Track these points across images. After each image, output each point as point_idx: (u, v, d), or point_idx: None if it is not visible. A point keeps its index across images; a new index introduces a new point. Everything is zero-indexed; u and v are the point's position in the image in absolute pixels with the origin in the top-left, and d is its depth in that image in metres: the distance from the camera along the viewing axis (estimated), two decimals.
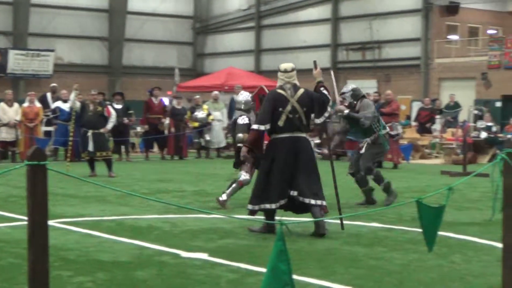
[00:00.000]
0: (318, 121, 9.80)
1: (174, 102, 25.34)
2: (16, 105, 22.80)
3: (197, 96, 26.93)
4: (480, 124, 26.58)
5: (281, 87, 9.71)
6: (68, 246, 8.76)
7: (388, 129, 14.05)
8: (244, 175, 12.41)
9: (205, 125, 25.18)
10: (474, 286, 6.94)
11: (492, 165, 6.06)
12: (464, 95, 36.23)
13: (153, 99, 24.59)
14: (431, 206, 6.21)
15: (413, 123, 28.38)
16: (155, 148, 25.70)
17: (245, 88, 28.04)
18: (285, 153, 9.48)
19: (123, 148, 24.06)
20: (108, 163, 18.03)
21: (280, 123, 9.51)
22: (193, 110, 25.52)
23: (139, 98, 36.14)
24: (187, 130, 25.15)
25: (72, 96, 19.34)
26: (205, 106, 25.66)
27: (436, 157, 25.28)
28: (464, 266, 7.79)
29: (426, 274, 7.39)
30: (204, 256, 8.21)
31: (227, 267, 7.68)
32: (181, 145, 24.65)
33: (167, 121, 24.41)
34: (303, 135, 9.67)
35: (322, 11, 46.62)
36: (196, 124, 25.19)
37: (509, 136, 24.59)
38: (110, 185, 7.62)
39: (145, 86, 38.34)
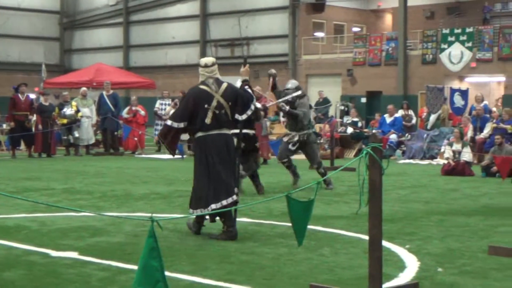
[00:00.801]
0: (241, 118, 9.54)
1: (41, 98, 24.84)
2: None
3: (65, 93, 26.51)
4: (346, 119, 27.21)
5: (203, 83, 9.28)
6: None
7: (315, 128, 15.55)
8: None
9: (73, 122, 24.83)
10: (343, 278, 7.10)
11: (358, 159, 6.22)
12: (330, 91, 37.02)
13: (19, 95, 23.99)
14: (300, 201, 6.32)
15: (282, 119, 28.75)
16: (22, 146, 25.11)
17: (114, 84, 27.87)
18: (218, 150, 9.09)
19: None
20: None
21: (208, 120, 9.09)
22: (61, 106, 25.09)
23: (4, 95, 35.22)
24: (55, 127, 24.69)
25: None
26: (73, 103, 25.30)
27: None
28: (332, 259, 7.95)
29: (296, 268, 7.51)
30: (74, 254, 8.08)
31: (98, 265, 7.59)
32: (49, 143, 24.17)
33: (34, 118, 23.90)
34: (229, 132, 9.32)
35: (191, 7, 46.68)
36: (65, 121, 24.80)
37: (374, 131, 25.26)
38: None
39: (11, 82, 37.35)
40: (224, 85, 9.33)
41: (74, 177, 16.97)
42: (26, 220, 10.53)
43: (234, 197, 9.12)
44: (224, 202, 9.03)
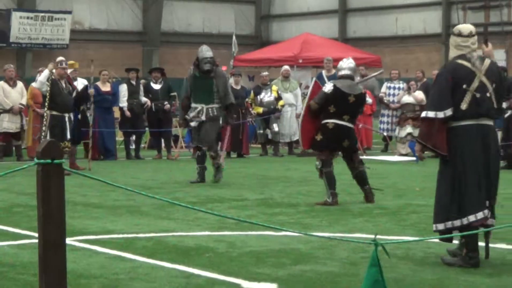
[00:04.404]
0: (505, 105, 9.39)
1: (231, 80, 25.36)
2: (20, 84, 22.89)
3: (265, 73, 26.64)
4: None
5: (463, 57, 9.21)
6: (92, 272, 8.86)
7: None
8: None
9: (272, 112, 24.97)
10: None
11: None
12: None
13: None
14: None
15: None
16: None
17: None
18: (474, 148, 9.05)
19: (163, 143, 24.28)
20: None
21: (464, 105, 9.05)
22: (257, 91, 25.34)
23: (183, 75, 36.28)
24: (248, 118, 25.05)
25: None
26: (273, 87, 25.28)
27: None
28: None
29: None
30: (272, 287, 8.22)
31: None
32: (241, 139, 24.35)
33: None
34: (492, 123, 9.25)
35: None
36: (261, 110, 24.96)
37: None
38: (146, 192, 7.67)
39: (191, 59, 38.38)
40: (488, 62, 9.24)
41: (273, 185, 17.24)
42: (210, 240, 10.82)
43: (486, 212, 8.96)
44: (472, 218, 8.91)
